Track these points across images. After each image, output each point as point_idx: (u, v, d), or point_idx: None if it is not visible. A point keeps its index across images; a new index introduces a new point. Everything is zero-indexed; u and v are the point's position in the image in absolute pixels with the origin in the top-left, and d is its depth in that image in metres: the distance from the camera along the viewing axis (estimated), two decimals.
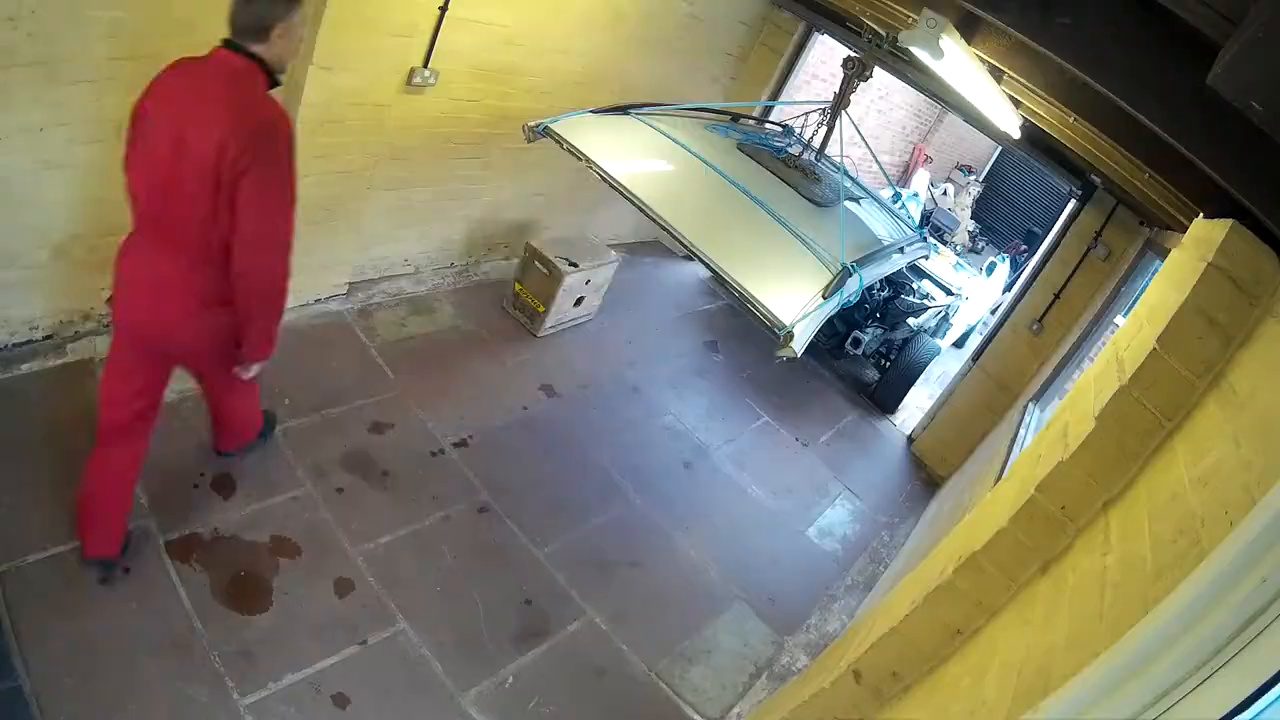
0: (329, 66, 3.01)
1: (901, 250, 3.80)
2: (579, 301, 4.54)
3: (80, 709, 2.03)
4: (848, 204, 3.77)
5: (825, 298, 2.70)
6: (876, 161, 4.21)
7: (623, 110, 3.36)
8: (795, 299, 2.62)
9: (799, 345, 2.48)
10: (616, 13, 4.27)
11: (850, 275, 2.83)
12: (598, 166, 2.82)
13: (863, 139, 4.10)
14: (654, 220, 2.76)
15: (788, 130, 4.41)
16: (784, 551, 3.89)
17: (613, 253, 4.67)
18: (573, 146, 2.89)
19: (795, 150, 4.04)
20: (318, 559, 2.71)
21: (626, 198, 2.80)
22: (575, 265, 4.30)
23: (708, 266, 2.68)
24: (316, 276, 3.73)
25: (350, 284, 3.98)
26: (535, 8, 3.80)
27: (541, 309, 4.35)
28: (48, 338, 2.94)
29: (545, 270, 4.28)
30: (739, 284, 2.60)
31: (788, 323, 2.50)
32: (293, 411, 3.20)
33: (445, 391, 3.71)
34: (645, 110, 3.44)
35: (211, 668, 2.26)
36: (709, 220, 2.93)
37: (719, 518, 3.81)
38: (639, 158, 3.13)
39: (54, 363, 2.89)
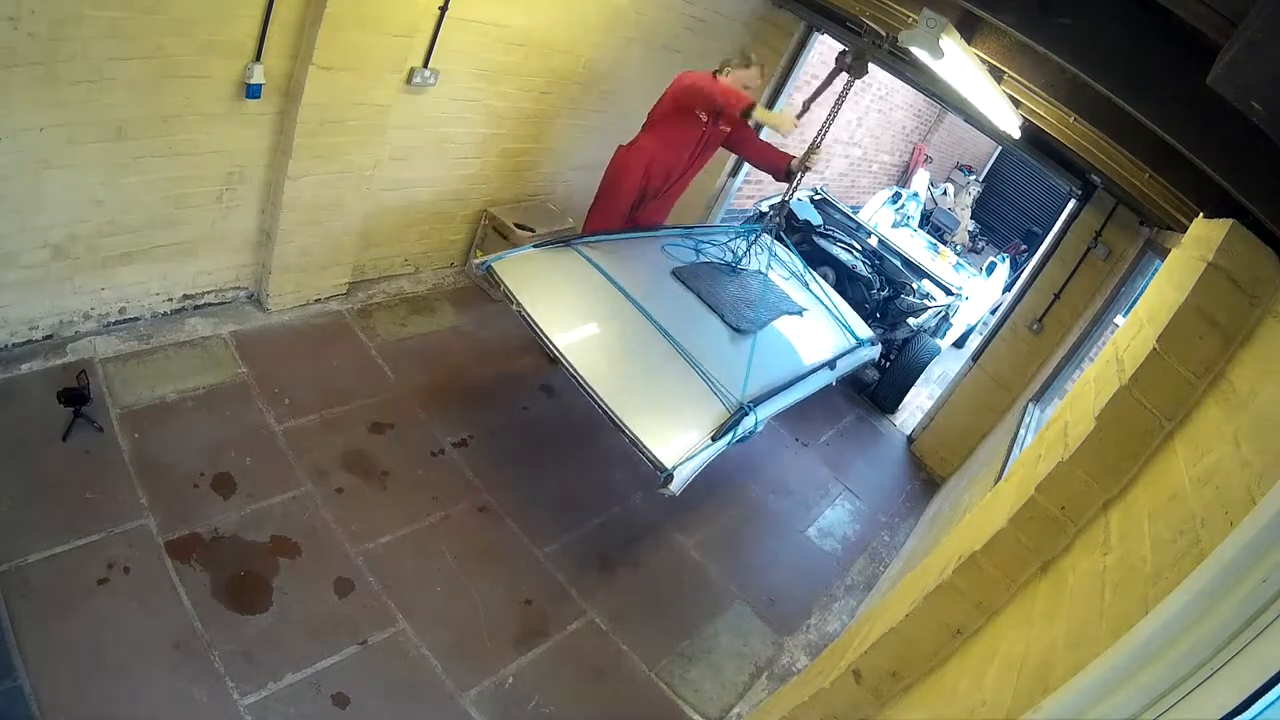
0: (329, 66, 3.01)
1: (832, 365, 3.88)
2: None
3: (80, 709, 2.04)
4: (785, 318, 3.94)
5: (714, 439, 2.88)
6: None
7: (564, 243, 3.54)
8: (683, 440, 2.83)
9: (678, 486, 2.69)
10: (616, 12, 4.27)
11: (747, 414, 3.01)
12: (528, 314, 3.07)
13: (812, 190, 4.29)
14: (566, 368, 2.97)
15: (749, 229, 4.51)
16: (784, 551, 3.89)
17: (570, 220, 4.69)
18: (509, 290, 3.14)
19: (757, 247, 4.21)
20: (318, 559, 2.71)
21: (545, 345, 3.03)
22: (532, 230, 4.38)
23: (600, 408, 2.87)
24: (316, 276, 3.73)
25: (350, 284, 3.98)
26: (535, 8, 3.79)
27: None
28: (48, 338, 2.95)
29: (503, 236, 4.37)
30: (627, 426, 2.80)
31: (669, 465, 2.70)
32: (293, 411, 3.20)
33: (445, 391, 3.71)
34: (586, 241, 3.62)
35: (211, 668, 2.26)
36: (621, 361, 3.15)
37: (719, 518, 3.81)
38: (571, 299, 3.32)
39: (54, 363, 2.89)
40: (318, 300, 3.82)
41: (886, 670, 1.85)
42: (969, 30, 2.18)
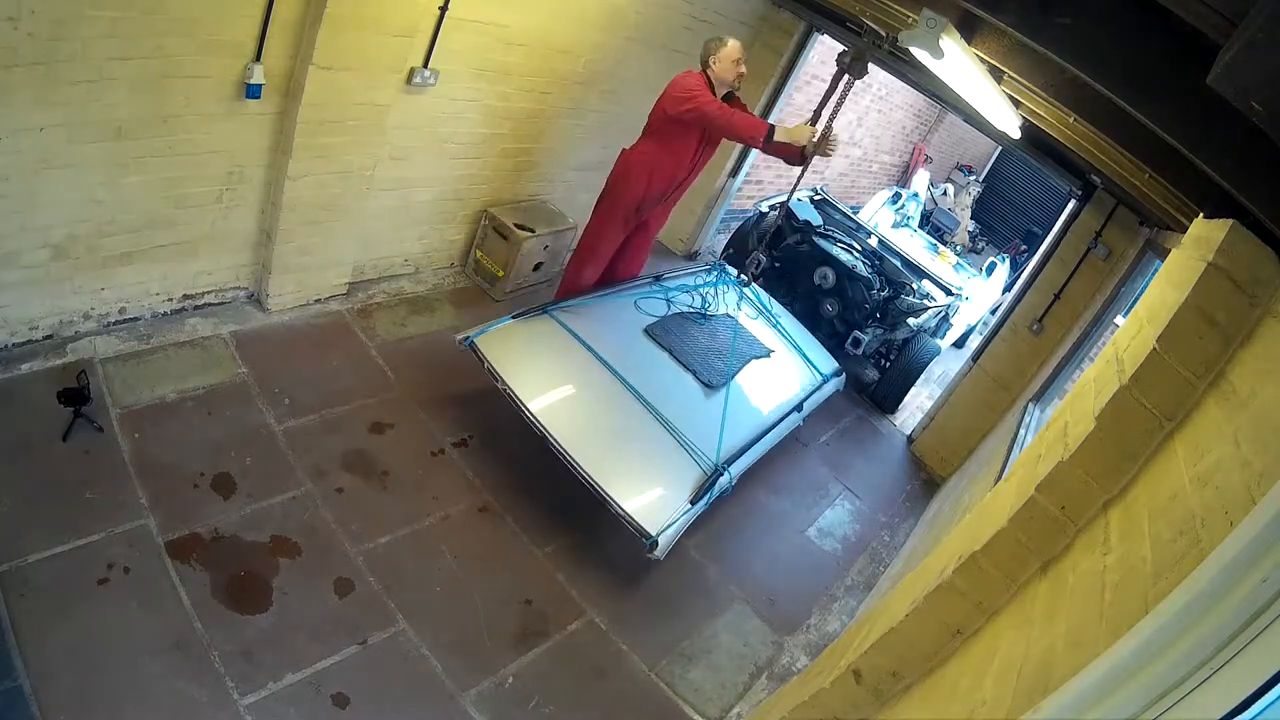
0: (329, 66, 3.01)
1: (800, 408, 4.08)
2: (537, 267, 4.65)
3: (80, 709, 2.04)
4: (755, 362, 4.13)
5: (693, 502, 3.11)
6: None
7: (541, 310, 3.70)
8: (665, 507, 3.04)
9: (662, 550, 2.92)
10: (616, 12, 4.27)
11: (722, 475, 3.25)
12: (515, 395, 3.23)
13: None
14: (553, 445, 3.11)
15: (717, 268, 4.71)
16: (784, 551, 3.89)
17: (570, 219, 4.71)
18: (492, 367, 3.30)
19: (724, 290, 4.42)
20: (318, 559, 2.71)
21: (527, 418, 3.18)
22: (532, 230, 4.42)
23: (585, 481, 3.04)
24: (316, 276, 3.73)
25: (350, 284, 3.98)
26: (535, 8, 3.79)
27: (501, 274, 4.50)
28: (48, 338, 2.95)
29: (503, 237, 4.43)
30: (613, 499, 2.98)
31: (653, 532, 2.91)
32: (293, 411, 3.20)
33: (445, 391, 3.71)
34: (563, 306, 3.80)
35: (211, 668, 2.26)
36: (602, 432, 3.29)
37: (719, 518, 3.80)
38: (551, 372, 3.46)
39: (54, 363, 2.89)
40: (318, 300, 3.82)
41: (886, 670, 1.85)
42: (969, 30, 2.18)
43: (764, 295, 4.86)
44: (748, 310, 4.58)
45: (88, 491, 2.54)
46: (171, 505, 2.63)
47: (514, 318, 3.58)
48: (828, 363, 4.66)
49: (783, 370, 4.31)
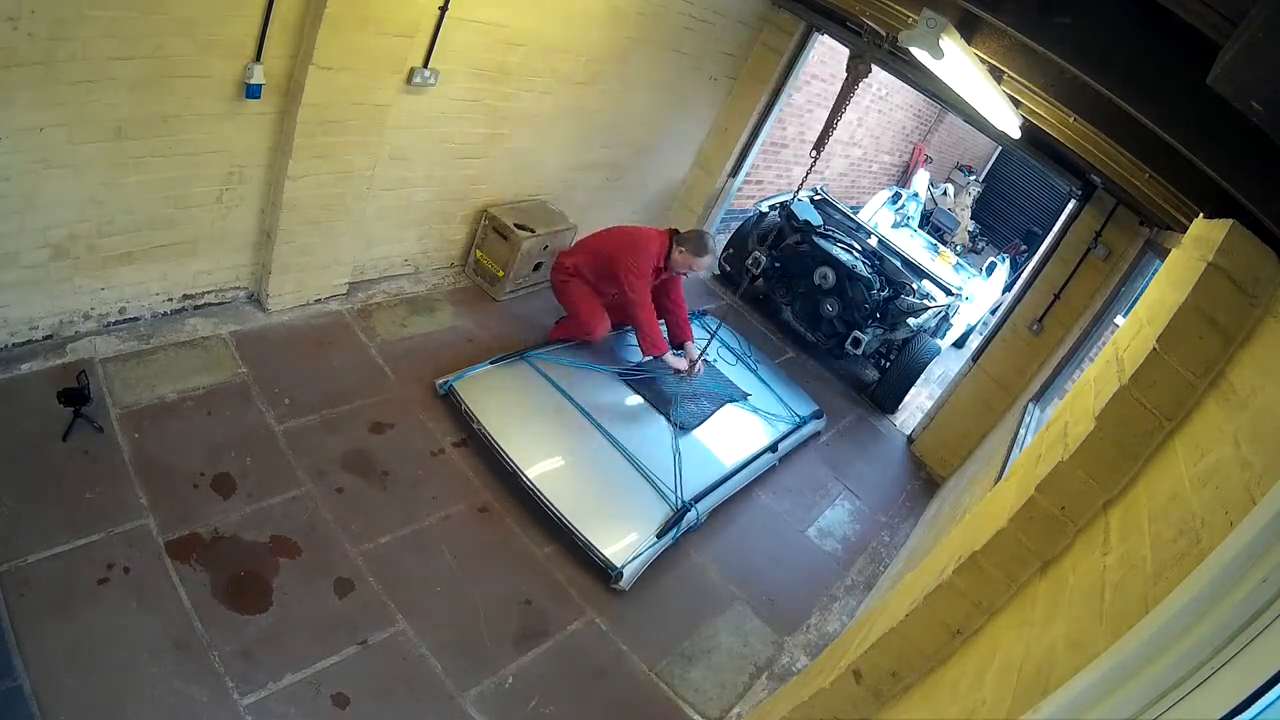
0: (329, 66, 3.01)
1: (774, 449, 4.23)
2: (537, 267, 4.66)
3: (80, 709, 2.04)
4: (729, 406, 4.30)
5: (659, 536, 3.26)
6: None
7: (520, 356, 3.84)
8: (631, 540, 3.19)
9: (627, 582, 3.08)
10: (616, 12, 4.27)
11: (689, 510, 3.39)
12: (487, 431, 3.37)
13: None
14: (524, 482, 3.25)
15: (696, 318, 4.87)
16: (784, 552, 3.89)
17: (570, 218, 4.73)
18: (469, 410, 3.44)
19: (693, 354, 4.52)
20: (318, 559, 2.71)
21: (501, 457, 3.31)
22: (532, 231, 4.42)
23: (554, 516, 3.16)
24: (316, 276, 3.73)
25: (350, 284, 3.98)
26: (535, 8, 3.79)
27: (501, 274, 4.52)
28: (48, 338, 2.95)
29: (503, 236, 4.43)
30: (580, 532, 3.11)
31: (619, 564, 3.05)
32: (293, 411, 3.20)
33: None
34: (539, 354, 3.92)
35: (211, 668, 2.26)
36: (572, 469, 3.42)
37: (719, 518, 3.80)
38: (525, 414, 3.59)
39: (54, 363, 2.89)
40: (318, 300, 3.82)
41: (886, 670, 1.85)
42: (969, 30, 2.18)
43: (740, 343, 5.05)
44: (725, 357, 4.74)
45: (88, 491, 2.54)
46: (171, 505, 2.63)
47: (492, 363, 3.74)
48: (805, 406, 4.81)
49: (757, 413, 4.46)
